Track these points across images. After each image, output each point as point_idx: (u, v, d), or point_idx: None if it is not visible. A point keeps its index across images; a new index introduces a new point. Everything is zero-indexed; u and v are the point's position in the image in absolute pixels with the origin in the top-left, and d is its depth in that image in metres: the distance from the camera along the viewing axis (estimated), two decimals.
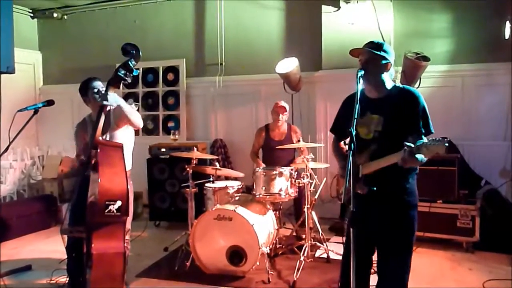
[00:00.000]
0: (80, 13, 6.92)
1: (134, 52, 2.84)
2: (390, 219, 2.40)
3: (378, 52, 2.35)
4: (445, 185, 4.31)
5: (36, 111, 3.18)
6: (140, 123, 3.17)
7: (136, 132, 3.32)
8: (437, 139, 2.06)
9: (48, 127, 6.97)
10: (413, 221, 2.44)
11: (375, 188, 2.29)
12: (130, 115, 3.05)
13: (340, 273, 2.63)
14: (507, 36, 4.71)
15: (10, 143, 3.13)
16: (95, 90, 3.18)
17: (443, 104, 5.20)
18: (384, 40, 5.15)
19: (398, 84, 2.49)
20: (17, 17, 6.22)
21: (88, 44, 6.89)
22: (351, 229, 2.05)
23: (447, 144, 2.02)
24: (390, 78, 2.44)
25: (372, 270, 2.63)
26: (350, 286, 2.03)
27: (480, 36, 5.10)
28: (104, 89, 3.17)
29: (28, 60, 7.02)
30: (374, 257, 2.58)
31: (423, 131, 2.31)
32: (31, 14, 7.06)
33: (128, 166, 3.35)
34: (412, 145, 2.10)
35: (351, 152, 2.03)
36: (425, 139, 2.17)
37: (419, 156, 2.09)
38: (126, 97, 6.54)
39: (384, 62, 2.37)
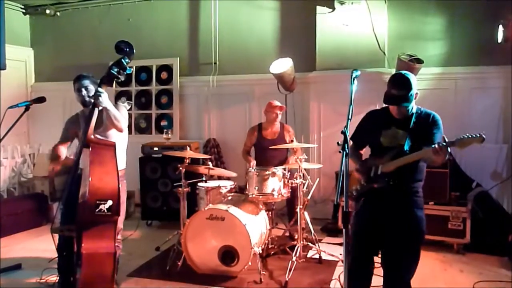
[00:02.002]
0: (73, 10, 6.86)
1: (127, 50, 2.82)
2: (399, 217, 2.57)
3: (407, 101, 2.52)
4: (437, 187, 4.32)
5: (27, 108, 3.15)
6: (123, 127, 3.15)
7: (129, 131, 3.29)
8: (473, 134, 2.23)
9: (39, 125, 6.90)
10: (420, 222, 2.60)
11: (391, 183, 2.52)
12: (114, 119, 3.03)
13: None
14: (500, 40, 4.74)
15: (1, 140, 3.10)
16: (77, 88, 3.20)
17: (436, 106, 5.12)
18: (378, 42, 5.20)
19: (420, 107, 2.68)
20: (9, 13, 6.18)
21: (81, 41, 6.84)
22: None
23: (484, 136, 2.19)
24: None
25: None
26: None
27: (473, 39, 5.13)
28: (86, 86, 3.18)
29: (20, 57, 6.95)
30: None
31: None
32: (23, 10, 6.98)
33: (122, 165, 3.33)
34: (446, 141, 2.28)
35: (344, 153, 2.04)
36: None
37: (449, 149, 2.28)
38: (119, 96, 6.51)
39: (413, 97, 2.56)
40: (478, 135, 2.20)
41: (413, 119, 2.60)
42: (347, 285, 2.10)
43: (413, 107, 2.64)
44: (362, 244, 2.61)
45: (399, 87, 2.53)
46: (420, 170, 2.63)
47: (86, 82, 3.21)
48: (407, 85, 2.52)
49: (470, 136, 2.22)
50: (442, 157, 2.30)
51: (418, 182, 2.64)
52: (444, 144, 2.26)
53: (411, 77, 2.56)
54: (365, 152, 2.90)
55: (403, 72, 2.63)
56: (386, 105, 2.69)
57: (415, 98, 2.59)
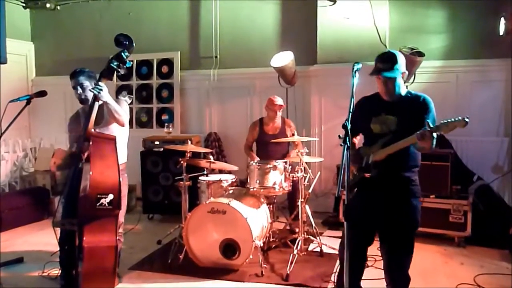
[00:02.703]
0: (73, 4, 6.82)
1: (127, 43, 2.81)
2: (394, 206, 2.56)
3: (392, 71, 2.52)
4: (438, 180, 4.32)
5: (28, 102, 3.15)
6: (124, 121, 3.14)
7: (130, 125, 3.29)
8: (455, 118, 2.25)
9: (40, 119, 6.91)
10: (416, 211, 2.59)
11: (383, 171, 2.52)
12: (115, 113, 3.02)
13: (338, 267, 2.69)
14: (501, 32, 4.72)
15: (2, 134, 3.11)
16: (73, 85, 3.20)
17: (437, 99, 5.07)
18: (379, 35, 5.17)
19: (411, 90, 2.67)
20: (9, 7, 6.15)
21: (81, 35, 6.82)
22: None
23: (467, 120, 2.19)
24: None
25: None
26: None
27: (475, 32, 5.10)
28: (81, 84, 3.18)
29: (21, 51, 6.94)
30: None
31: None
32: (24, 4, 6.94)
33: (123, 159, 3.33)
34: (431, 125, 2.27)
35: (346, 146, 2.04)
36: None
37: (435, 135, 2.29)
38: (120, 90, 6.50)
39: (400, 73, 2.55)
40: (461, 118, 2.21)
41: (404, 102, 2.60)
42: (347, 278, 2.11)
43: (402, 88, 2.62)
44: (355, 235, 2.56)
45: (384, 60, 2.55)
46: (413, 157, 2.61)
47: (81, 79, 3.20)
48: (392, 58, 2.54)
49: (453, 120, 2.23)
50: (428, 143, 2.31)
51: (413, 168, 2.62)
52: (428, 129, 2.26)
53: (398, 54, 2.58)
54: (360, 141, 2.90)
55: (392, 50, 2.65)
56: (377, 91, 2.69)
57: (402, 77, 2.58)
